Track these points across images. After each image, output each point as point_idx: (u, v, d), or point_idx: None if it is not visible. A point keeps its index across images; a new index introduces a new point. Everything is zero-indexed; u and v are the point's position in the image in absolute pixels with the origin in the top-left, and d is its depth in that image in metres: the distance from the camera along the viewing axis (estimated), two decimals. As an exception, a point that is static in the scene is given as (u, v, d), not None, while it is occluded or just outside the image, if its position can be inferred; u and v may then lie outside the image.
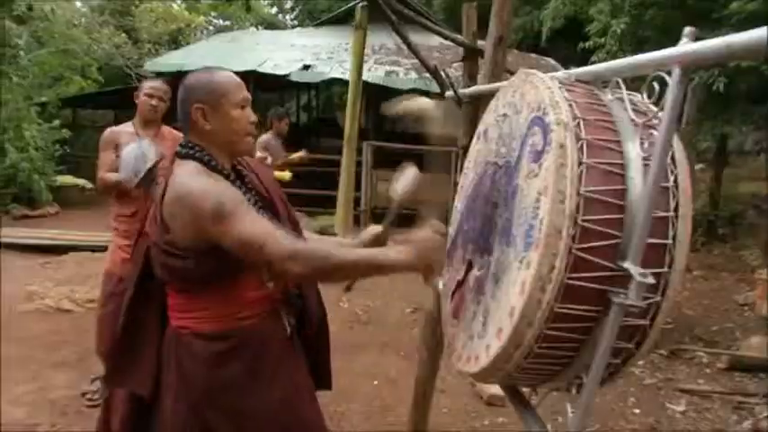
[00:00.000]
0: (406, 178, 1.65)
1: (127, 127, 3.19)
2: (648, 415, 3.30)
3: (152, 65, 11.34)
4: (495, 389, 3.15)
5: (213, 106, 1.44)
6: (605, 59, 7.05)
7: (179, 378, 1.44)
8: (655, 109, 1.06)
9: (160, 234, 1.40)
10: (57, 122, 10.08)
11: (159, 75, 11.66)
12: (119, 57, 13.45)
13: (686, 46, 0.85)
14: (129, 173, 2.93)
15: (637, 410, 3.34)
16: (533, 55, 11.65)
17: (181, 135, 3.44)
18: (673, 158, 1.02)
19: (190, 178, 1.38)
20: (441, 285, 1.59)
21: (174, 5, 16.52)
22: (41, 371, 3.35)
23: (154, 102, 3.11)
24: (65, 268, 5.59)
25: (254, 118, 1.51)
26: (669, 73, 0.90)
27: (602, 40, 7.20)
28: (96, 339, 3.34)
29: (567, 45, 9.90)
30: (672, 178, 1.01)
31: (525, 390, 1.36)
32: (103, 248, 5.88)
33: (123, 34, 14.27)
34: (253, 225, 1.31)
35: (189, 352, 1.44)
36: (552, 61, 10.67)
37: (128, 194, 3.02)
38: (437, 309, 2.12)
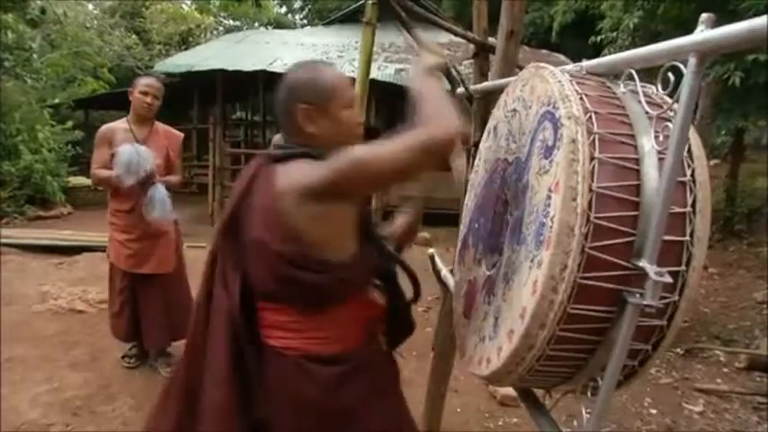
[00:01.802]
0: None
1: (121, 124, 3.24)
2: (665, 415, 3.24)
3: (162, 65, 11.39)
4: (509, 389, 3.12)
5: (320, 107, 1.31)
6: (618, 54, 6.94)
7: (287, 403, 1.31)
8: (669, 101, 1.03)
9: (288, 244, 1.23)
10: (69, 124, 10.18)
11: (170, 75, 11.75)
12: (130, 58, 13.57)
13: (703, 33, 0.81)
14: (123, 173, 3.01)
15: (653, 410, 3.29)
16: (544, 51, 11.55)
17: (174, 131, 3.47)
18: (689, 152, 0.99)
19: (310, 166, 1.23)
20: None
21: (185, 6, 16.61)
22: (55, 371, 3.36)
23: (148, 99, 3.16)
24: (78, 269, 5.62)
25: (361, 119, 1.41)
26: (685, 63, 0.87)
27: (614, 34, 7.11)
28: (113, 327, 3.39)
29: (578, 41, 9.80)
30: (689, 172, 0.97)
31: (539, 391, 1.33)
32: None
33: (134, 35, 14.40)
34: (385, 143, 1.16)
35: (302, 375, 1.30)
36: (563, 57, 10.57)
37: (124, 191, 3.08)
38: (451, 307, 2.09)
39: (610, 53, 6.87)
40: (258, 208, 1.28)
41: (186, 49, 14.38)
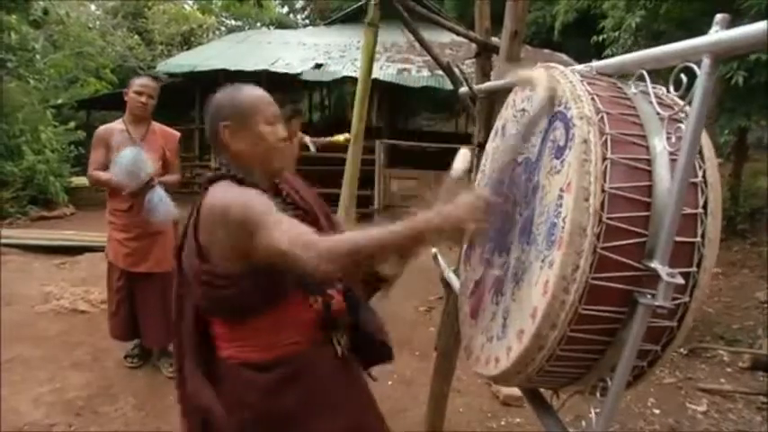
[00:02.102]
0: (463, 158, 1.52)
1: (118, 124, 3.26)
2: (668, 415, 3.23)
3: (165, 66, 11.41)
4: (512, 389, 3.11)
5: (241, 124, 1.35)
6: (619, 54, 6.92)
7: (229, 408, 1.35)
8: (680, 102, 1.02)
9: (198, 264, 1.31)
10: (72, 124, 10.19)
11: (172, 75, 11.75)
12: (132, 58, 13.58)
13: (718, 34, 0.81)
14: (123, 177, 3.03)
15: (656, 410, 3.28)
16: (546, 50, 11.54)
17: (171, 131, 3.48)
18: (700, 153, 0.98)
19: (221, 194, 1.29)
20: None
21: (187, 7, 16.62)
22: (58, 371, 3.36)
23: (143, 99, 3.18)
24: (80, 269, 5.62)
25: (284, 134, 1.41)
26: (697, 63, 0.86)
27: (617, 34, 7.10)
28: (110, 326, 3.40)
29: (580, 40, 9.79)
30: (700, 173, 0.97)
31: (546, 391, 1.33)
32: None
33: (136, 36, 14.42)
34: (278, 234, 1.16)
35: (240, 382, 1.36)
36: (565, 57, 10.56)
37: (121, 191, 3.10)
38: (454, 307, 2.09)
39: (612, 53, 6.87)
40: (191, 230, 1.36)
41: (188, 49, 14.40)
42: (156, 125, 3.34)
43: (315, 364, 1.39)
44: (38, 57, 10.59)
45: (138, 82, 3.24)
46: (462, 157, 1.40)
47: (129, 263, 3.25)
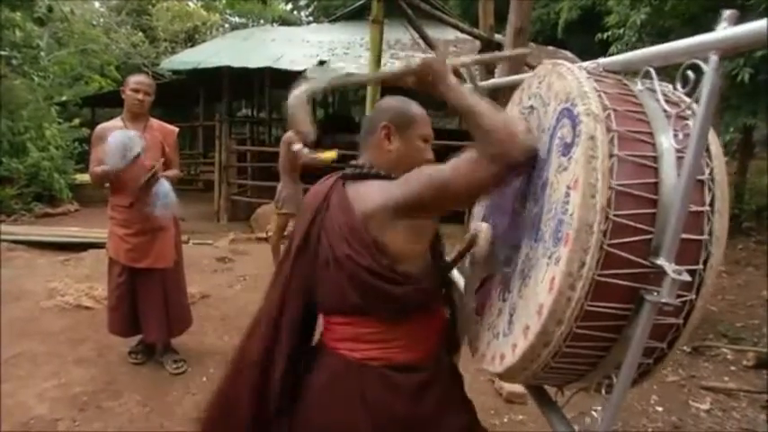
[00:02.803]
0: (483, 238, 1.57)
1: (116, 122, 3.28)
2: (671, 413, 3.23)
3: (169, 63, 11.41)
4: (515, 386, 3.11)
5: (400, 129, 1.42)
6: (624, 51, 6.92)
7: (368, 414, 1.32)
8: (686, 99, 1.02)
9: (374, 259, 1.29)
10: (76, 121, 10.22)
11: (176, 72, 11.76)
12: (136, 55, 13.58)
13: (725, 31, 0.81)
14: (114, 159, 3.03)
15: (659, 408, 3.28)
16: (550, 47, 11.51)
17: (169, 127, 3.46)
18: (708, 150, 0.98)
19: (387, 189, 1.31)
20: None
21: (191, 4, 16.63)
22: (62, 367, 3.38)
23: (140, 96, 3.21)
24: (84, 265, 5.65)
25: (431, 156, 1.46)
26: (704, 60, 0.86)
27: (621, 31, 7.08)
28: (109, 322, 3.41)
29: (584, 37, 9.77)
30: (707, 171, 0.97)
31: (551, 388, 1.33)
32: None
33: (140, 33, 14.41)
34: (459, 162, 1.20)
35: (385, 384, 1.34)
36: (570, 54, 10.54)
37: (124, 186, 3.13)
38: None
39: (617, 50, 6.85)
40: (339, 226, 1.34)
41: (192, 46, 14.40)
42: (154, 121, 3.36)
43: (444, 370, 1.47)
44: (42, 54, 10.61)
45: (134, 79, 3.27)
46: (485, 234, 1.47)
47: (131, 258, 3.26)
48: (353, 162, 1.46)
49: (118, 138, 3.05)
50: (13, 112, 8.81)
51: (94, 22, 14.13)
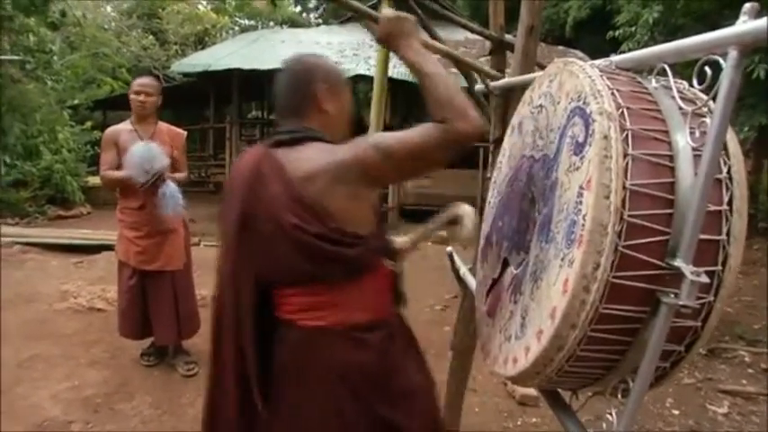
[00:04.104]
0: (468, 219, 1.59)
1: (125, 125, 3.32)
2: (688, 416, 3.18)
3: (179, 65, 11.47)
4: (528, 388, 3.09)
5: (337, 89, 1.42)
6: (635, 50, 6.83)
7: (340, 377, 1.34)
8: (702, 96, 1.00)
9: (324, 225, 1.27)
10: (88, 124, 10.30)
11: (186, 75, 11.82)
12: (147, 58, 13.66)
13: (746, 24, 0.78)
14: (137, 171, 3.05)
15: (675, 411, 3.23)
16: (560, 47, 11.44)
17: (177, 130, 3.48)
18: (726, 149, 0.96)
19: (331, 152, 1.29)
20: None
21: (200, 7, 16.71)
22: (76, 369, 3.40)
23: (141, 98, 3.24)
24: (97, 268, 5.68)
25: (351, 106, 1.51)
26: (723, 56, 0.84)
27: (632, 29, 7.00)
28: (120, 325, 3.42)
29: (594, 36, 9.69)
30: (725, 170, 0.94)
31: (565, 392, 1.31)
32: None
33: (151, 36, 14.49)
34: (407, 133, 1.24)
35: (355, 345, 1.35)
36: (580, 53, 10.46)
37: (133, 189, 3.14)
38: (471, 306, 2.07)
39: (628, 49, 6.78)
40: (279, 195, 1.29)
41: (202, 48, 14.47)
42: (162, 125, 3.39)
43: (400, 324, 1.50)
44: (55, 58, 10.71)
45: (137, 82, 3.31)
46: (469, 216, 1.48)
47: (141, 261, 3.27)
48: (281, 128, 1.41)
49: (140, 149, 3.06)
50: (26, 116, 8.89)
51: (106, 26, 14.24)
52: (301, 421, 1.36)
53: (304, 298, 1.36)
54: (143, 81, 3.31)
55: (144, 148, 3.08)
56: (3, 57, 8.66)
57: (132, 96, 3.25)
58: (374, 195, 1.38)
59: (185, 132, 3.54)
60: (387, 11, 1.38)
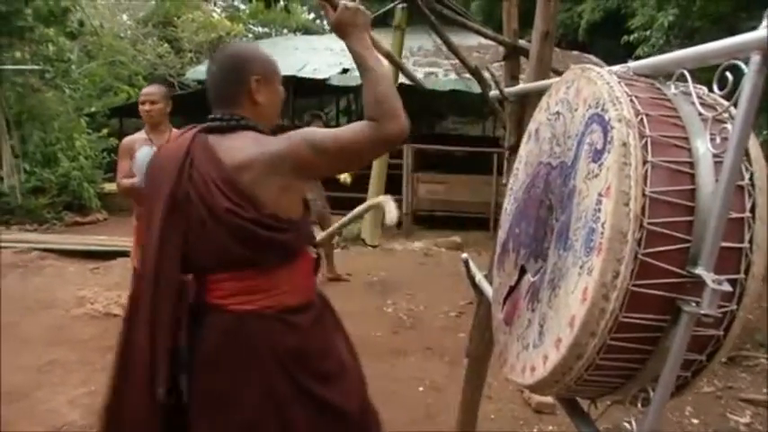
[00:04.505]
0: (389, 205, 1.80)
1: (140, 134, 3.35)
2: (708, 426, 3.13)
3: (194, 73, 11.60)
4: (544, 396, 3.06)
5: (268, 79, 1.47)
6: (650, 54, 6.82)
7: (272, 360, 1.37)
8: (723, 102, 0.99)
9: (258, 211, 1.31)
10: (105, 131, 10.44)
11: (201, 82, 11.90)
12: (162, 66, 13.85)
13: (770, 29, 0.77)
14: (142, 177, 3.04)
15: (695, 420, 3.18)
16: (575, 52, 11.39)
17: None
18: (747, 154, 0.94)
19: (265, 143, 1.36)
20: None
21: (215, 15, 16.89)
22: (93, 374, 3.43)
23: (146, 107, 3.26)
24: (113, 274, 5.74)
25: (284, 94, 1.58)
26: (744, 61, 0.83)
27: (647, 33, 6.96)
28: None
29: (609, 41, 9.64)
30: (747, 176, 0.93)
31: (582, 401, 1.29)
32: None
33: (166, 44, 14.68)
34: (343, 133, 1.35)
35: (286, 327, 1.39)
36: (594, 58, 10.41)
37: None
38: (486, 313, 2.06)
39: (643, 53, 6.73)
40: (212, 181, 1.32)
41: (217, 56, 14.60)
42: (176, 132, 3.39)
43: (324, 305, 1.57)
44: (73, 67, 10.89)
45: (143, 91, 3.36)
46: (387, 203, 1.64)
47: None
48: (213, 116, 1.45)
49: (146, 155, 3.09)
50: (45, 124, 9.05)
51: (122, 35, 14.46)
52: (234, 406, 1.35)
53: (235, 283, 1.37)
54: (147, 90, 3.35)
55: (148, 152, 3.09)
56: (23, 67, 8.82)
57: (140, 106, 3.30)
58: (304, 185, 1.44)
59: None
60: (348, 2, 1.41)
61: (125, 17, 16.01)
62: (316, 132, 1.36)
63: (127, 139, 3.39)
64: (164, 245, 1.36)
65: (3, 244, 6.53)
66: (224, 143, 1.37)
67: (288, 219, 1.35)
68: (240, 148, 1.35)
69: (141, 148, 3.18)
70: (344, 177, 5.32)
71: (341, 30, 1.40)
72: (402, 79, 6.32)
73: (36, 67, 9.00)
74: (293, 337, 1.40)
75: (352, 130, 1.33)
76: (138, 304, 1.41)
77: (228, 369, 1.37)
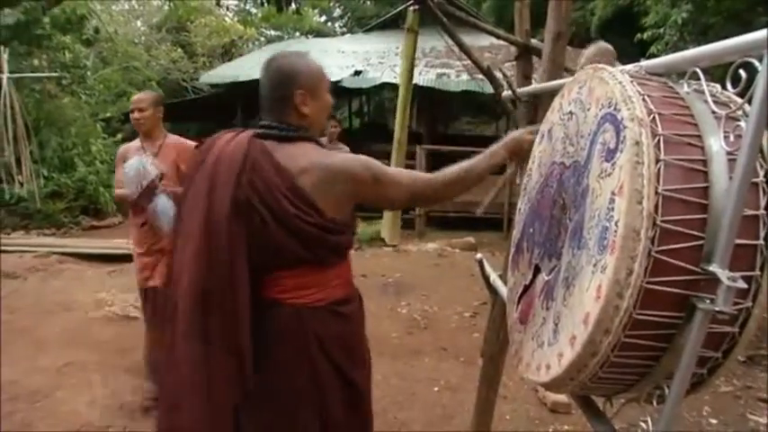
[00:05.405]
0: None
1: (135, 143, 3.29)
2: (727, 426, 3.10)
3: (207, 77, 11.71)
4: (559, 395, 3.05)
5: (313, 91, 1.54)
6: (664, 51, 6.75)
7: (318, 346, 1.51)
8: (737, 99, 0.99)
9: (317, 215, 1.43)
10: (120, 136, 10.57)
11: (214, 86, 12.03)
12: (175, 71, 13.97)
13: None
14: (131, 186, 3.01)
15: (713, 420, 3.15)
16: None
17: (184, 142, 3.21)
18: (761, 152, 0.94)
19: (331, 156, 1.49)
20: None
21: (227, 19, 17.01)
22: (111, 375, 3.48)
23: (135, 115, 3.20)
24: (129, 276, 5.77)
25: (332, 101, 1.67)
26: (758, 58, 0.83)
27: (661, 30, 6.90)
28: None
29: (621, 39, 9.55)
30: (762, 173, 0.93)
31: (599, 399, 1.30)
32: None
33: (179, 49, 14.81)
34: (403, 178, 1.54)
35: (335, 317, 1.55)
36: (610, 48, 10.32)
37: (137, 206, 3.08)
38: (501, 312, 2.06)
39: (657, 50, 6.68)
40: (277, 188, 1.41)
41: (229, 60, 14.73)
42: (171, 138, 3.30)
43: (360, 298, 1.72)
44: (89, 73, 11.04)
45: (132, 98, 3.31)
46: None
47: (141, 279, 3.20)
48: (266, 122, 1.54)
49: (133, 165, 3.03)
50: (62, 130, 9.20)
51: (136, 40, 14.62)
52: (284, 390, 1.50)
53: (292, 279, 1.50)
54: (136, 97, 3.28)
55: (135, 163, 3.03)
56: (41, 74, 8.97)
57: (130, 114, 3.24)
58: (355, 197, 1.55)
59: (194, 144, 3.39)
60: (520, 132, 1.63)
61: (139, 23, 16.19)
62: (379, 164, 1.51)
63: (121, 148, 3.34)
64: (232, 247, 1.42)
65: (24, 248, 6.65)
66: (283, 150, 1.47)
67: (342, 221, 1.49)
68: (301, 156, 1.46)
69: (133, 157, 3.10)
70: None
71: (515, 149, 1.59)
72: (414, 80, 6.33)
73: (53, 74, 9.15)
74: (338, 326, 1.56)
75: (410, 176, 1.54)
76: (207, 304, 1.45)
77: (283, 356, 1.50)
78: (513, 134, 1.62)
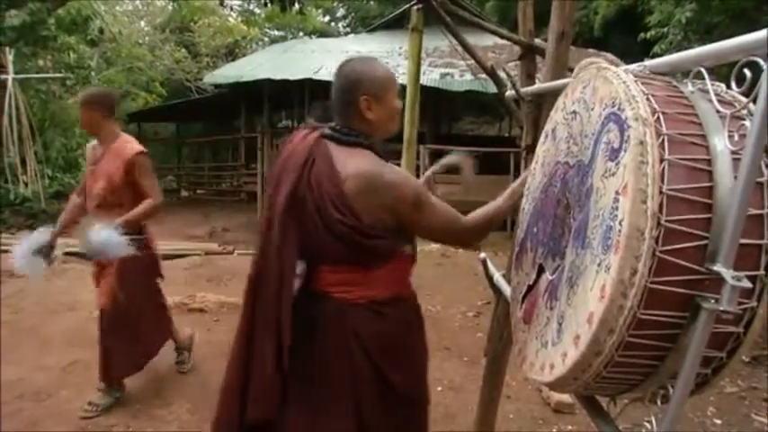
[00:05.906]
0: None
1: (94, 141, 3.15)
2: (732, 426, 3.09)
3: (210, 77, 11.73)
4: (563, 395, 3.05)
5: (379, 98, 1.58)
6: (668, 50, 6.74)
7: (356, 342, 1.56)
8: (741, 99, 0.99)
9: (358, 220, 1.49)
10: (124, 137, 10.60)
11: (218, 86, 12.04)
12: (179, 71, 13.99)
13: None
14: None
15: (718, 421, 3.14)
16: (591, 50, 11.29)
17: (124, 149, 3.01)
18: (766, 151, 0.94)
19: (380, 167, 1.52)
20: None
21: (231, 19, 17.03)
22: (116, 375, 3.48)
23: (80, 113, 3.13)
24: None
25: (400, 104, 1.69)
26: (763, 57, 0.83)
27: (665, 30, 6.88)
28: None
29: (625, 38, 9.55)
30: (766, 173, 0.93)
31: (602, 399, 1.30)
32: (172, 256, 6.10)
33: (183, 49, 14.84)
34: (441, 214, 1.57)
35: (373, 316, 1.58)
36: (610, 56, 10.29)
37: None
38: (504, 312, 2.06)
39: (661, 49, 6.66)
40: (327, 193, 1.49)
41: (233, 60, 14.74)
42: (118, 142, 3.02)
43: (415, 304, 1.76)
44: (93, 73, 11.08)
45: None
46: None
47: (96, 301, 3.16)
48: (335, 125, 1.60)
49: (32, 241, 3.11)
50: (66, 130, 9.23)
51: (140, 41, 14.64)
52: (322, 376, 1.57)
53: (336, 275, 1.58)
54: (79, 95, 3.14)
55: (35, 237, 3.13)
56: (46, 75, 9.01)
57: None
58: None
59: (136, 150, 3.00)
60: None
61: (143, 23, 16.21)
62: (427, 194, 1.57)
63: (88, 146, 3.20)
64: (284, 237, 1.52)
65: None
66: (341, 154, 1.54)
67: (384, 227, 1.52)
68: (354, 162, 1.51)
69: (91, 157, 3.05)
70: None
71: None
72: (420, 80, 6.31)
73: (58, 74, 9.18)
74: (378, 326, 1.58)
75: (449, 216, 1.59)
76: (261, 290, 1.57)
77: (324, 345, 1.58)
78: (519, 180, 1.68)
